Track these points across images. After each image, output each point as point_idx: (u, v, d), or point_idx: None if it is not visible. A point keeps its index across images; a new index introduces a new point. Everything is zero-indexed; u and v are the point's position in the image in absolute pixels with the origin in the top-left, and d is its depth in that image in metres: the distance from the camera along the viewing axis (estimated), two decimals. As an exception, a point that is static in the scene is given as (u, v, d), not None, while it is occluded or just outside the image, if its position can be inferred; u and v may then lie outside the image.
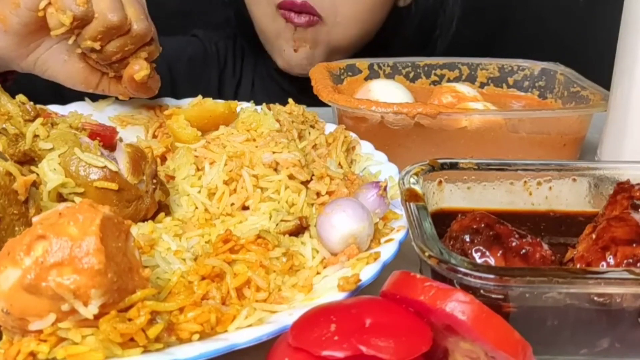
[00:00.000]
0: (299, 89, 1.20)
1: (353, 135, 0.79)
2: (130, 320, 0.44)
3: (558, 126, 0.84)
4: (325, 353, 0.39)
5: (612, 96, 0.79)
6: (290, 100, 0.83)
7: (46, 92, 0.85)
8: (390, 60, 1.06)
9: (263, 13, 1.17)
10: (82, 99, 0.88)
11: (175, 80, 1.23)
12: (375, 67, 1.05)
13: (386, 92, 0.88)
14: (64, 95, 0.85)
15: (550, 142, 0.85)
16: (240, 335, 0.47)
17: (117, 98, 0.90)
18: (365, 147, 0.78)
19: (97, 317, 0.43)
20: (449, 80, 1.06)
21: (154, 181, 0.64)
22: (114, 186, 0.59)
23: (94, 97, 0.89)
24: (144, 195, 0.62)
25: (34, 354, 0.44)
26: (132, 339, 0.44)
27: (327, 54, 1.17)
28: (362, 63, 1.05)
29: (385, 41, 1.23)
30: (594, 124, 0.87)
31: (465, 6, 1.31)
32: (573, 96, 0.94)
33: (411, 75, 1.06)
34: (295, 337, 0.41)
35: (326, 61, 1.12)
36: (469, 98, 0.93)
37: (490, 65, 1.06)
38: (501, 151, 0.83)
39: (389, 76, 1.06)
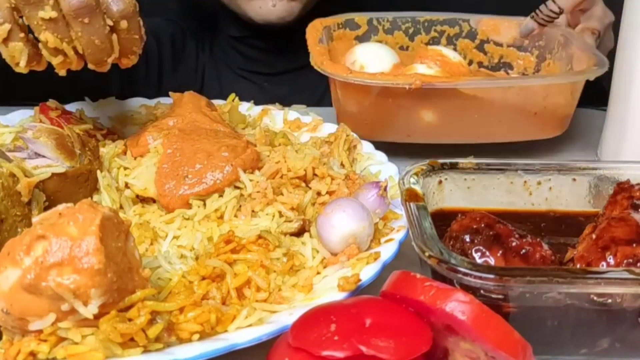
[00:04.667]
0: (257, 52, 1.22)
1: (354, 134, 0.79)
2: (130, 320, 0.44)
3: (520, 97, 0.84)
4: (325, 353, 0.39)
5: (612, 95, 0.79)
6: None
7: (47, 91, 0.85)
8: (390, 16, 1.04)
9: None
10: (83, 99, 0.88)
11: (161, 56, 1.24)
12: (375, 22, 1.03)
13: (370, 57, 0.87)
14: (64, 94, 0.85)
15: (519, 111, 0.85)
16: (240, 335, 0.47)
17: (117, 97, 0.90)
18: (366, 147, 0.78)
19: (97, 317, 0.43)
20: (448, 37, 1.04)
21: (86, 149, 0.65)
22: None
23: (94, 97, 0.89)
24: (91, 165, 0.64)
25: (34, 354, 0.44)
26: (132, 339, 0.44)
27: (303, 6, 1.14)
28: (362, 18, 1.03)
29: None
30: (593, 124, 0.87)
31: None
32: (570, 58, 0.92)
33: (411, 31, 1.04)
34: (295, 337, 0.41)
35: (304, 9, 1.11)
36: (454, 64, 0.91)
37: (491, 22, 1.03)
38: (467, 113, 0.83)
39: (388, 32, 1.04)
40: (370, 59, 0.85)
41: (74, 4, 0.63)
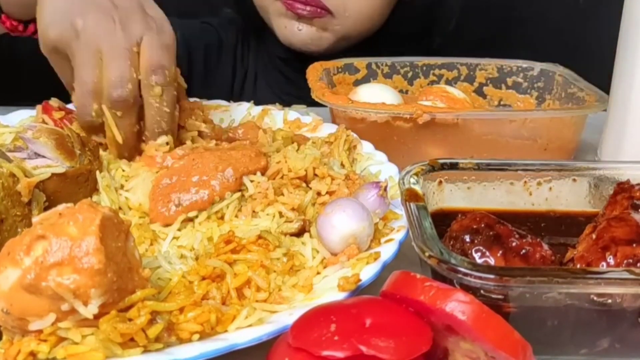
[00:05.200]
0: (302, 77, 1.19)
1: (354, 134, 0.79)
2: (130, 320, 0.44)
3: (530, 133, 0.84)
4: (325, 353, 0.39)
5: (612, 96, 0.79)
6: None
7: (45, 91, 0.85)
8: (389, 60, 1.05)
9: None
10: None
11: (192, 66, 1.19)
12: (374, 66, 1.04)
13: (374, 98, 0.86)
14: (63, 94, 0.85)
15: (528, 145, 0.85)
16: (240, 335, 0.47)
17: None
18: (366, 147, 0.78)
19: (97, 317, 0.43)
20: (447, 81, 1.05)
21: (86, 149, 0.65)
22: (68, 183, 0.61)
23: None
24: (91, 165, 0.64)
25: (34, 354, 0.44)
26: (132, 339, 0.44)
27: (334, 41, 1.13)
28: (360, 62, 1.04)
29: (385, 33, 1.21)
30: (593, 124, 0.87)
31: (465, 5, 1.30)
32: (570, 97, 0.94)
33: (409, 75, 1.06)
34: (295, 337, 0.41)
35: (333, 46, 1.11)
36: (459, 99, 0.92)
37: (489, 65, 1.05)
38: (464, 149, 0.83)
39: (387, 76, 1.05)
40: (374, 100, 0.85)
41: (112, 95, 0.66)
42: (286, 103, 0.93)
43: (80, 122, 0.69)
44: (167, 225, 0.63)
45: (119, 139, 0.68)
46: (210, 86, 1.21)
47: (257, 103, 0.93)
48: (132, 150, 0.71)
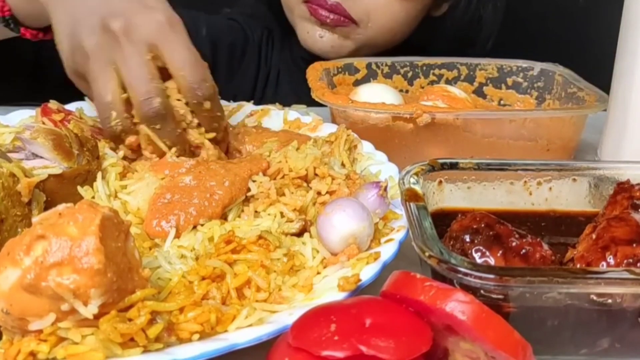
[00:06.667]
0: None
1: (354, 134, 0.79)
2: (130, 320, 0.44)
3: (531, 133, 0.84)
4: (325, 353, 0.39)
5: (612, 96, 0.79)
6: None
7: (45, 91, 0.85)
8: (389, 60, 1.05)
9: None
10: (83, 99, 0.88)
11: (216, 63, 1.17)
12: (374, 66, 1.05)
13: (374, 99, 0.86)
14: (63, 94, 0.85)
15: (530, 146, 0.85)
16: (240, 335, 0.47)
17: None
18: (366, 147, 0.78)
19: (96, 317, 0.43)
20: (447, 81, 1.05)
21: (84, 149, 0.65)
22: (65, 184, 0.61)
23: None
24: (89, 165, 0.64)
25: (34, 354, 0.44)
26: (132, 339, 0.44)
27: (354, 49, 1.14)
28: (360, 62, 1.04)
29: (415, 47, 1.21)
30: (593, 124, 0.87)
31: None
32: (570, 97, 0.94)
33: (409, 75, 1.06)
34: (295, 337, 0.41)
35: (352, 54, 1.11)
36: (460, 99, 0.92)
37: (489, 65, 1.05)
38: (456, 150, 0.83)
39: (387, 76, 1.05)
40: (375, 100, 0.84)
41: (146, 112, 0.66)
42: (308, 104, 0.93)
43: (105, 135, 0.70)
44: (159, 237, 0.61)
45: (166, 149, 0.68)
46: (233, 85, 1.20)
47: (279, 103, 0.93)
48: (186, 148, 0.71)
